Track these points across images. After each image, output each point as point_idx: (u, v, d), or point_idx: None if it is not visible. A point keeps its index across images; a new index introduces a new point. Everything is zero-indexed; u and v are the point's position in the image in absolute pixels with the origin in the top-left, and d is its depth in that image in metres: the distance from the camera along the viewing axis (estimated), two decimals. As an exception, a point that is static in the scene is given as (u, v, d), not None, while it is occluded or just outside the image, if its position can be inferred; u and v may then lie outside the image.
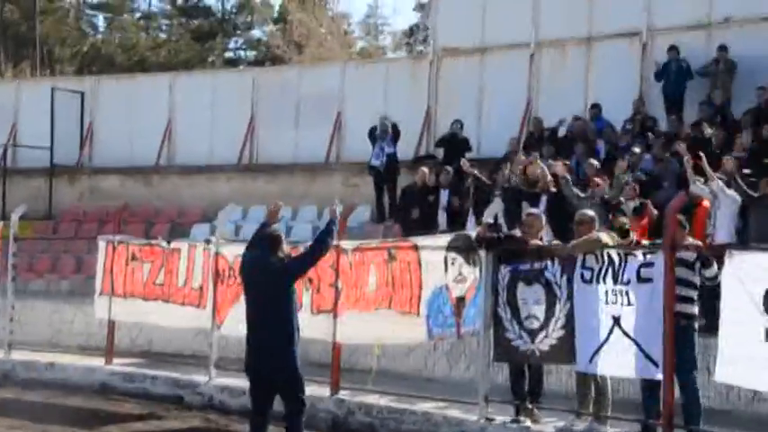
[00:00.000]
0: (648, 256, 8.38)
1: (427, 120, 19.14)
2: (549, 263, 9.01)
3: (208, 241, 12.59)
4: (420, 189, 15.37)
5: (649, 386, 8.50)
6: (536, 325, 9.07)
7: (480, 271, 9.59)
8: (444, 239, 10.16)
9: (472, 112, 18.39)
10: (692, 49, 16.14)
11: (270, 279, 8.02)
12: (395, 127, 17.37)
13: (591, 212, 9.49)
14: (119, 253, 13.27)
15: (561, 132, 16.13)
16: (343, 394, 10.71)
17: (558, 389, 10.48)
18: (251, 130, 21.09)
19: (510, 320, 9.27)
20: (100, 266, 13.58)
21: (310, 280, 10.62)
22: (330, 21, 39.34)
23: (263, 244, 8.23)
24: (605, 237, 8.91)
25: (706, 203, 11.85)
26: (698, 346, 8.43)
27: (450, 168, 15.40)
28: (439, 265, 9.84)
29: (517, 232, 9.82)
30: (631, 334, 8.37)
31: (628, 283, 8.41)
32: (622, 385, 9.92)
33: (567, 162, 13.92)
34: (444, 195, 15.12)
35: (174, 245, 12.94)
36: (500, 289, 9.36)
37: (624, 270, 8.44)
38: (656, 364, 8.19)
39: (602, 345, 8.55)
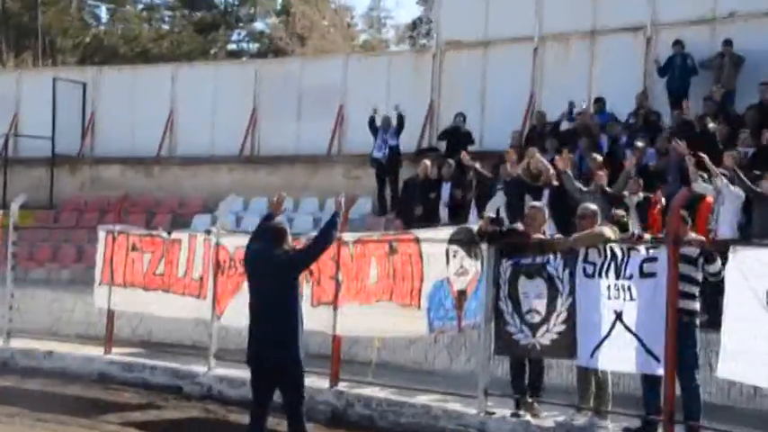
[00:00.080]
0: (651, 251, 8.34)
1: (430, 113, 19.12)
2: (551, 257, 8.97)
3: (208, 232, 12.56)
4: (422, 182, 15.35)
5: (650, 381, 8.46)
6: (537, 319, 9.03)
7: (482, 264, 9.56)
8: (446, 232, 10.12)
9: (475, 105, 18.37)
10: (697, 44, 16.11)
11: (274, 272, 7.96)
12: (401, 118, 17.32)
13: (593, 206, 9.44)
14: (119, 243, 13.24)
15: (564, 126, 16.09)
16: (342, 386, 10.68)
17: (558, 383, 10.45)
18: (253, 121, 21.08)
19: (511, 314, 9.23)
20: (100, 256, 13.55)
21: (311, 272, 10.54)
22: (333, 13, 39.27)
23: (267, 236, 8.17)
24: (608, 231, 8.85)
25: (709, 199, 11.81)
26: (700, 342, 8.38)
27: (452, 161, 15.37)
28: (440, 257, 9.80)
29: (519, 226, 9.77)
30: (633, 329, 8.32)
31: (630, 277, 8.37)
32: (622, 380, 9.90)
33: (572, 155, 13.86)
34: (446, 188, 15.10)
35: (174, 235, 12.90)
36: (501, 282, 9.33)
37: (627, 265, 8.40)
38: (657, 360, 8.16)
39: (603, 339, 8.51)
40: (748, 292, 7.55)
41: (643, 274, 8.30)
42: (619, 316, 8.41)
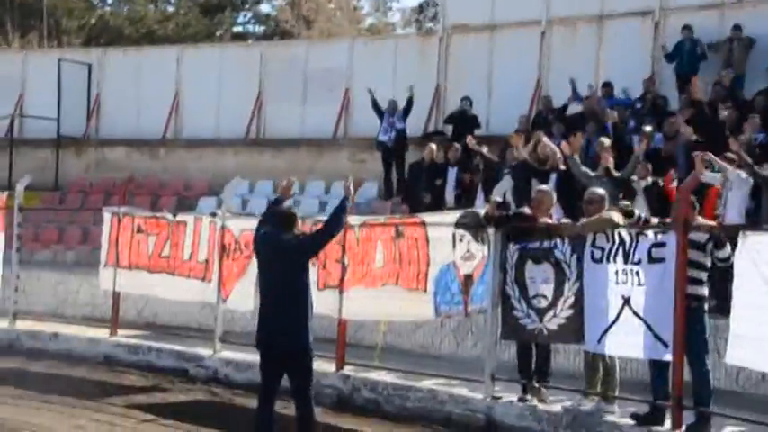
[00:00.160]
0: (660, 236, 8.29)
1: (436, 97, 19.06)
2: (558, 241, 8.93)
3: (214, 214, 12.53)
4: (428, 165, 15.30)
5: (658, 367, 8.42)
6: (544, 304, 9.00)
7: (489, 249, 9.52)
8: (452, 216, 10.07)
9: (482, 89, 18.31)
10: (705, 29, 16.01)
11: (284, 257, 7.92)
12: (410, 100, 17.25)
13: (601, 191, 9.37)
14: (124, 225, 13.20)
15: (572, 108, 16.02)
16: (348, 370, 10.66)
17: (565, 368, 10.44)
18: (258, 104, 21.04)
19: (518, 299, 9.20)
20: (105, 238, 13.52)
21: (317, 255, 10.53)
22: (339, -4, 39.11)
23: (276, 221, 8.14)
24: (616, 216, 8.79)
25: (717, 185, 11.73)
26: (708, 328, 8.32)
27: (458, 145, 15.31)
28: (447, 241, 9.76)
29: (526, 209, 9.73)
30: (641, 314, 8.29)
31: (639, 262, 8.33)
32: (630, 365, 9.88)
33: (581, 138, 13.77)
34: (453, 173, 15.05)
35: (179, 218, 12.86)
36: (508, 267, 9.29)
37: (635, 249, 8.36)
38: (665, 345, 8.12)
39: (611, 325, 8.48)
40: (758, 277, 7.51)
41: (651, 260, 8.26)
42: (627, 301, 8.38)
